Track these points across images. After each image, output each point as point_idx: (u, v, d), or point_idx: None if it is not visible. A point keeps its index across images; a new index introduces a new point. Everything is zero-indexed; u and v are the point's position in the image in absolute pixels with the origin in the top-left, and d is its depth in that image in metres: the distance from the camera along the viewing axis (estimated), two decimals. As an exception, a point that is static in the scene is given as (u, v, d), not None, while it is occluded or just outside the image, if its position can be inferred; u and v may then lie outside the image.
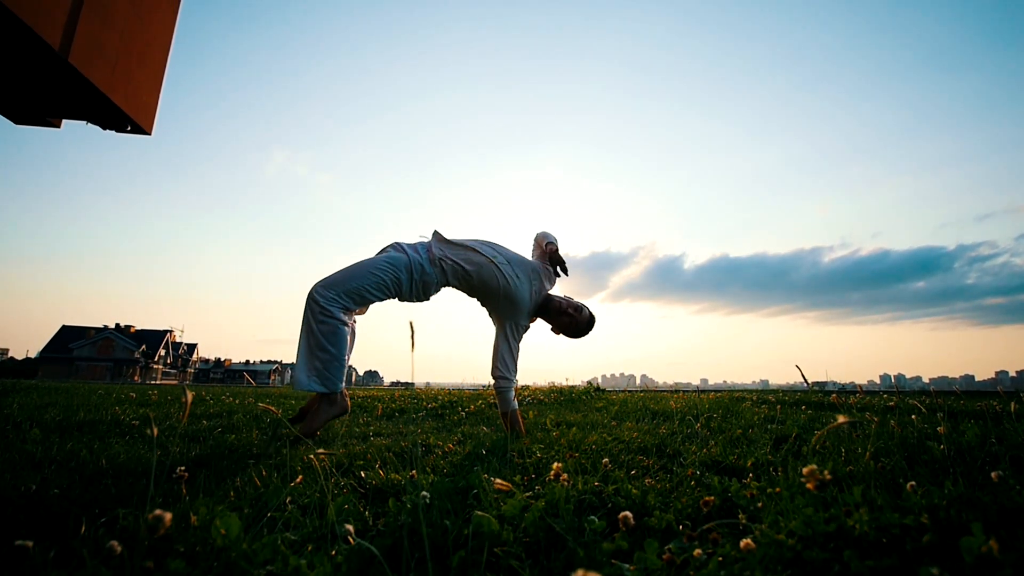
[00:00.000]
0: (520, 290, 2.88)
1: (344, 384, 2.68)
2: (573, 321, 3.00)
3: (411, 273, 2.73)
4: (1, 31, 1.51)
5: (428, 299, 2.89)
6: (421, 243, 2.91)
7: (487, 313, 3.06)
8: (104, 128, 2.15)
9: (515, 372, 2.94)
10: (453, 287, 2.93)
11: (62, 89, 1.89)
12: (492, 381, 2.94)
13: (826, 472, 0.99)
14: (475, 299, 3.00)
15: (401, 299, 2.83)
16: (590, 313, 3.06)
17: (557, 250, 3.01)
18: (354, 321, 2.90)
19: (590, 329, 3.09)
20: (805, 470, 0.99)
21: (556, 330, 3.07)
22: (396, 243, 2.88)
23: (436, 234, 2.94)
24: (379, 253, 2.88)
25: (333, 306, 2.54)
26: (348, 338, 2.69)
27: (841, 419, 1.08)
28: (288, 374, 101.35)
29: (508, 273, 2.86)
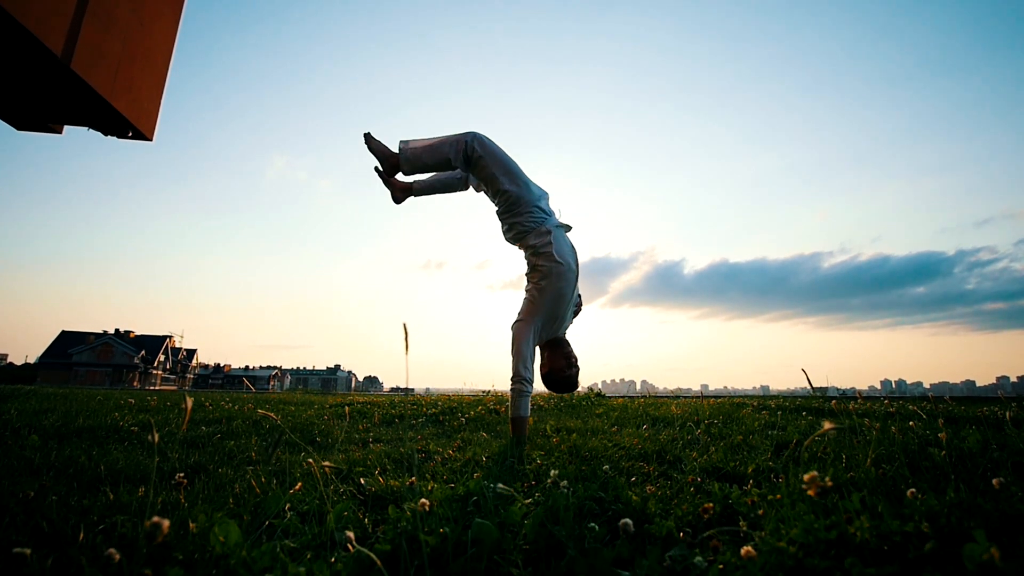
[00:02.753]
0: (570, 312, 2.96)
1: (410, 177, 3.06)
2: (566, 370, 2.95)
3: (526, 207, 2.86)
4: (4, 37, 1.52)
5: (505, 234, 2.98)
6: (553, 210, 2.99)
7: (524, 307, 2.90)
8: (105, 134, 2.15)
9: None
10: (528, 254, 2.93)
11: (64, 95, 1.89)
12: (511, 383, 2.77)
13: (827, 479, 0.99)
14: (530, 279, 2.92)
15: (499, 211, 2.95)
16: (577, 378, 3.04)
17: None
18: (463, 184, 3.19)
19: (566, 390, 3.03)
20: (806, 477, 0.99)
21: (545, 367, 3.02)
22: (547, 195, 2.99)
23: (565, 224, 3.05)
24: (535, 186, 2.96)
25: (463, 152, 2.80)
26: (447, 175, 3.17)
27: (828, 425, 1.08)
28: (287, 380, 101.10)
29: (576, 294, 2.98)
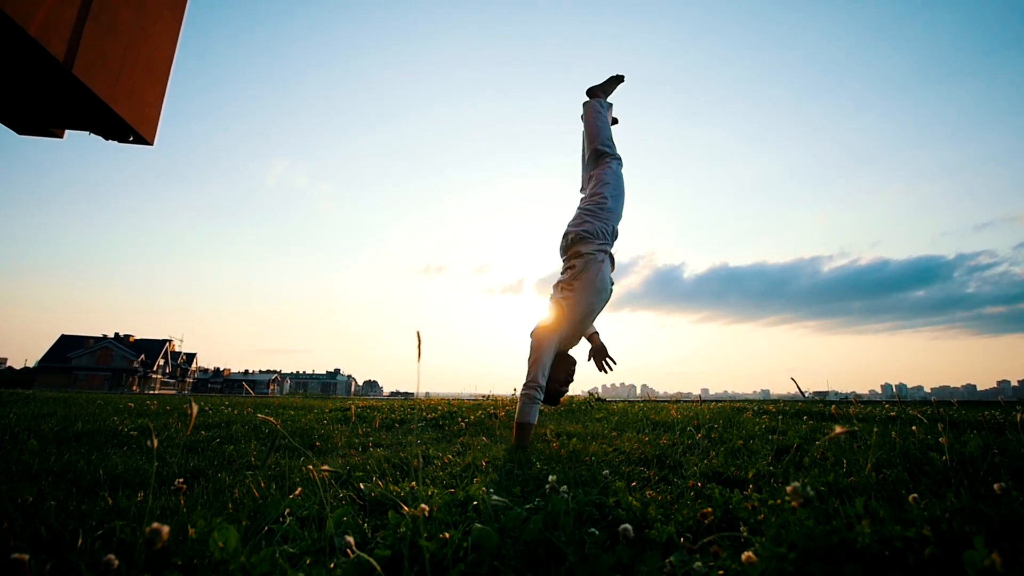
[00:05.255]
0: (593, 324, 3.02)
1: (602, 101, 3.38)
2: (562, 386, 2.97)
3: (607, 219, 3.00)
4: (5, 42, 1.52)
5: (571, 226, 3.06)
6: (611, 239, 3.06)
7: (553, 315, 2.89)
8: (107, 138, 2.16)
9: None
10: (574, 259, 2.95)
11: (66, 100, 1.90)
12: (524, 389, 2.76)
13: (809, 488, 0.99)
14: (565, 288, 2.93)
15: (585, 207, 3.09)
16: (563, 395, 3.05)
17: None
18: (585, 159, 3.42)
19: (550, 402, 3.03)
20: (789, 488, 0.99)
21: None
22: (618, 237, 3.10)
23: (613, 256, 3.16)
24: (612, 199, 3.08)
25: (604, 150, 3.18)
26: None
27: (838, 429, 1.08)
28: (287, 385, 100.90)
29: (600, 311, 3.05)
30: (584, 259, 2.87)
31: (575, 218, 3.07)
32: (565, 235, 3.05)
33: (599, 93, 3.45)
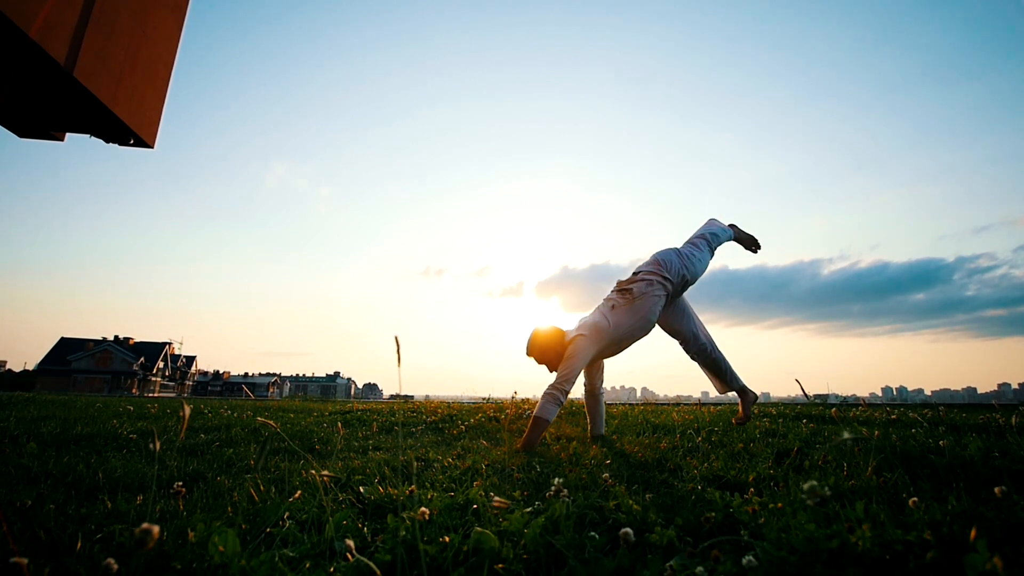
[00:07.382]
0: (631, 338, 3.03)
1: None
2: (555, 358, 3.01)
3: (694, 271, 3.18)
4: (6, 45, 1.53)
5: (663, 258, 3.20)
6: (677, 280, 3.12)
7: (595, 327, 2.91)
8: (107, 141, 2.16)
9: None
10: (633, 280, 3.03)
11: (66, 103, 1.90)
12: (550, 388, 2.79)
13: (826, 488, 0.99)
14: (615, 303, 2.97)
15: (685, 254, 3.24)
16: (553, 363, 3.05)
17: None
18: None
19: (536, 356, 3.05)
20: (805, 486, 0.99)
21: (554, 359, 3.07)
22: (680, 280, 3.16)
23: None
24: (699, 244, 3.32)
25: (712, 247, 3.37)
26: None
27: (846, 435, 1.08)
28: (286, 387, 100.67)
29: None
30: (645, 285, 2.94)
31: (682, 245, 3.26)
32: (659, 251, 3.18)
33: (735, 228, 3.64)
